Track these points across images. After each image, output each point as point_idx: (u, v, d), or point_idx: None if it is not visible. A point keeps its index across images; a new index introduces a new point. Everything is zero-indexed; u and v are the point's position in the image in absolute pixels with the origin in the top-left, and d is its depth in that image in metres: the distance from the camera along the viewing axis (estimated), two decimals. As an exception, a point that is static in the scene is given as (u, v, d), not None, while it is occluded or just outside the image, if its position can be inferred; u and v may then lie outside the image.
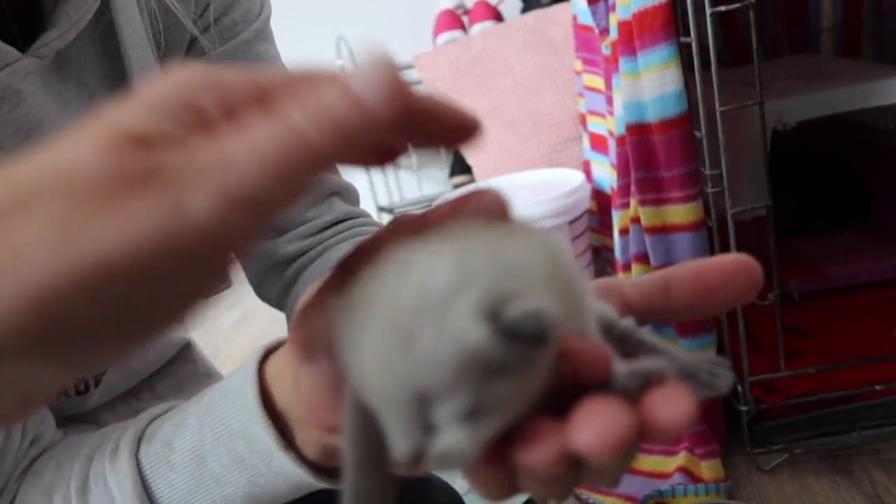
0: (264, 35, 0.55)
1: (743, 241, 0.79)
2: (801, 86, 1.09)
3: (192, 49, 0.51)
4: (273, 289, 0.57)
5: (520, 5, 2.09)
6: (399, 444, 0.20)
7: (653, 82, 0.71)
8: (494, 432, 0.19)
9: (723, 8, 0.66)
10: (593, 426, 0.19)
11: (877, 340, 0.96)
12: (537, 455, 0.19)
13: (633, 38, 0.73)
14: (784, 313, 0.80)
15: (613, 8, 0.85)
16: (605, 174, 1.33)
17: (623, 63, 0.77)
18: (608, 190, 1.33)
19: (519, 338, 0.18)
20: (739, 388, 0.82)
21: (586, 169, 1.53)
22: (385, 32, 2.25)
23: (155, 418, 0.39)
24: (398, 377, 0.19)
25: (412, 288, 0.19)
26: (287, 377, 0.32)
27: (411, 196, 2.37)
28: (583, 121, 1.49)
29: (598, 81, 1.29)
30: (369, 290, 0.20)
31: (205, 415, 0.35)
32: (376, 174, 2.32)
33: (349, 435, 0.23)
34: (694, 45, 0.67)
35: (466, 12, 2.11)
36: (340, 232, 0.56)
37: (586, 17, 1.31)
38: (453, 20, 2.04)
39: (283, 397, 0.32)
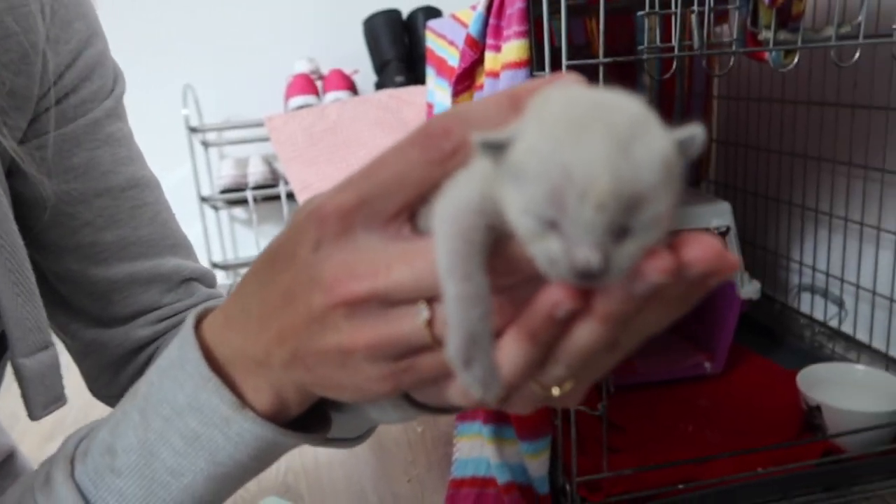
0: (117, 113, 0.51)
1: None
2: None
3: (31, 128, 0.46)
4: (116, 382, 0.52)
5: (375, 79, 2.15)
6: (586, 254, 0.21)
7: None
8: (656, 244, 0.22)
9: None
10: (699, 245, 0.23)
11: (679, 437, 1.09)
12: (660, 263, 0.22)
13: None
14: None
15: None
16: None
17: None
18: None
19: (685, 152, 0.22)
20: (568, 488, 0.88)
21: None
22: (235, 86, 2.21)
23: (83, 438, 0.35)
24: (622, 178, 0.21)
25: (621, 110, 0.22)
26: (234, 321, 0.31)
27: (247, 253, 2.30)
28: (431, 203, 1.55)
29: (449, 172, 1.36)
30: (559, 112, 0.22)
31: (145, 402, 0.33)
32: (211, 227, 2.23)
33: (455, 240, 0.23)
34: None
35: (321, 78, 2.13)
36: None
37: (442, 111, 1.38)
38: (307, 84, 2.05)
39: (227, 347, 0.31)
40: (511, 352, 0.24)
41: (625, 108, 0.22)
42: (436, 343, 0.25)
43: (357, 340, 0.26)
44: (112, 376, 0.52)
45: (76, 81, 0.47)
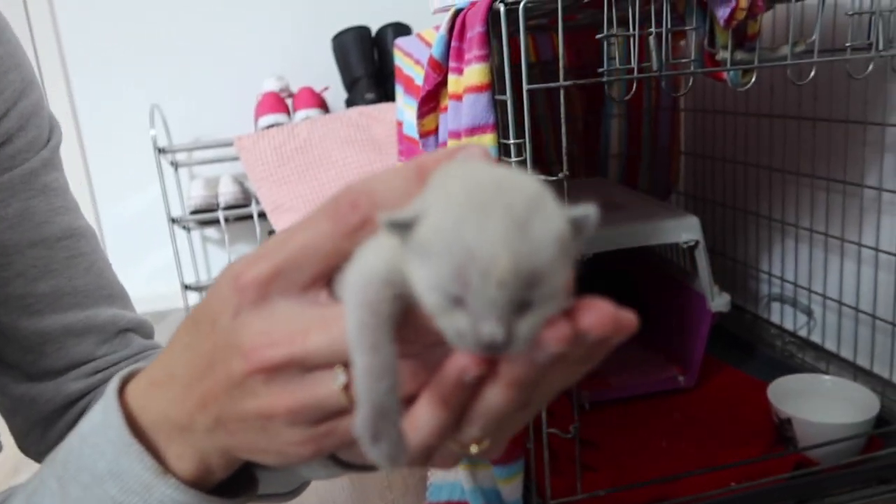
0: (53, 164, 0.50)
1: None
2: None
3: None
4: (46, 439, 0.51)
5: (345, 96, 2.15)
6: (490, 328, 0.22)
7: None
8: (555, 314, 0.24)
9: (542, 177, 0.74)
10: (594, 312, 0.24)
11: (653, 452, 1.09)
12: (558, 332, 0.23)
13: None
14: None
15: (444, 146, 0.91)
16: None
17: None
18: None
19: (580, 229, 0.24)
20: (542, 509, 0.88)
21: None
22: (203, 105, 2.19)
23: None
24: (521, 257, 0.22)
25: (519, 189, 0.23)
26: (158, 385, 0.31)
27: (220, 273, 2.28)
28: (402, 222, 1.54)
29: (419, 191, 1.36)
30: (461, 191, 0.23)
31: (64, 469, 0.32)
32: (183, 248, 2.20)
33: (363, 313, 0.24)
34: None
35: (291, 95, 2.12)
36: (137, 360, 0.53)
37: (411, 130, 1.38)
38: (277, 103, 2.04)
39: (151, 412, 0.31)
40: (424, 416, 0.25)
41: (523, 187, 0.24)
42: (353, 407, 0.25)
43: (276, 406, 0.27)
44: (42, 432, 0.50)
45: (11, 132, 0.46)
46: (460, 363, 0.23)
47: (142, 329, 0.55)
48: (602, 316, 0.24)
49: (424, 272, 0.23)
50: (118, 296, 0.53)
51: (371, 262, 0.25)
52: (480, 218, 0.22)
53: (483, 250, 0.22)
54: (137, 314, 0.55)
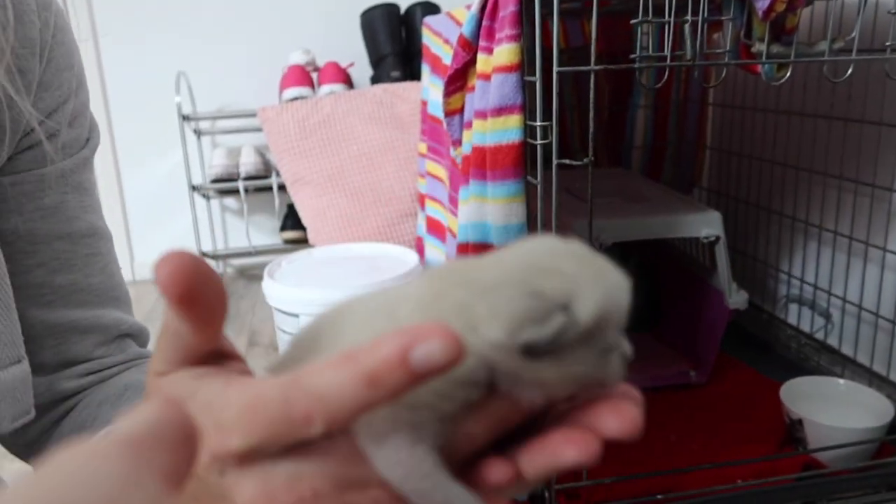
0: (90, 164, 0.52)
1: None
2: (618, 206, 1.23)
3: (10, 163, 0.46)
4: (29, 432, 0.51)
5: (370, 72, 2.14)
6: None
7: (498, 212, 0.77)
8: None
9: (567, 161, 0.73)
10: (617, 416, 0.25)
11: (661, 446, 1.09)
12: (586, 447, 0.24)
13: (485, 164, 0.79)
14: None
15: (469, 125, 0.90)
16: (440, 260, 1.38)
17: (473, 184, 0.82)
18: (440, 274, 1.38)
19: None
20: (547, 495, 0.88)
21: (419, 246, 1.58)
22: (229, 75, 2.19)
23: None
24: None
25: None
26: None
27: (238, 244, 2.29)
28: (421, 201, 1.54)
29: (440, 171, 1.35)
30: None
31: None
32: (202, 216, 2.21)
33: None
34: (539, 188, 0.74)
35: (316, 70, 2.12)
36: (129, 367, 0.53)
37: (436, 109, 1.37)
38: (302, 76, 2.04)
39: None
40: None
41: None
42: None
43: None
44: (25, 427, 0.50)
45: (60, 127, 0.48)
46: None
47: (140, 336, 0.56)
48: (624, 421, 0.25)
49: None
50: (124, 300, 0.54)
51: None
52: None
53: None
54: (138, 321, 0.56)
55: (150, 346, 0.58)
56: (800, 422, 1.02)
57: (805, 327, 1.37)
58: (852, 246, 1.23)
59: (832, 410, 1.05)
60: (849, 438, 0.98)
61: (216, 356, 0.27)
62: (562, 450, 0.24)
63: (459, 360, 0.21)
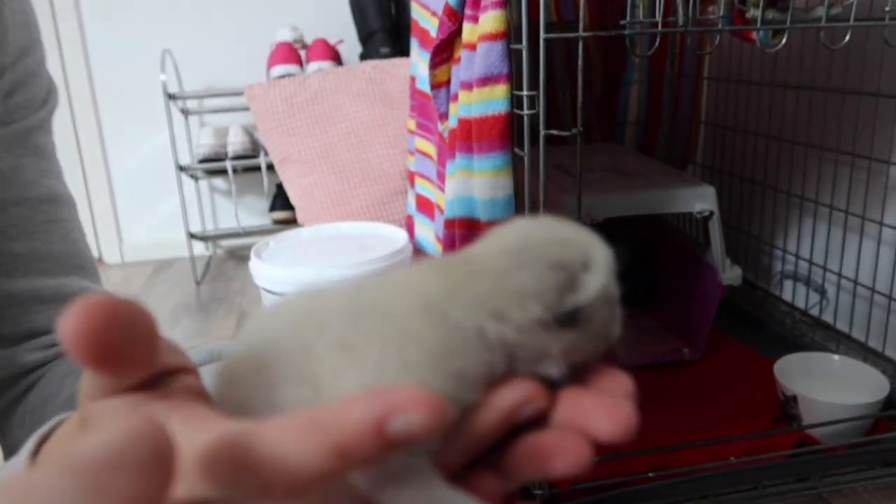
0: (47, 127, 0.50)
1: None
2: (609, 181, 1.20)
3: None
4: None
5: (359, 49, 2.10)
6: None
7: (485, 185, 0.75)
8: None
9: (555, 132, 0.71)
10: (609, 417, 0.22)
11: (654, 423, 1.07)
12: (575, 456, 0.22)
13: (471, 137, 0.76)
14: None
15: (455, 98, 0.87)
16: (430, 238, 1.36)
17: (459, 158, 0.80)
18: (430, 251, 1.36)
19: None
20: (537, 474, 0.87)
21: (409, 224, 1.55)
22: (215, 53, 2.15)
23: None
24: None
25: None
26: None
27: (227, 225, 2.26)
28: (411, 179, 1.52)
29: (429, 147, 1.33)
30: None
31: None
32: (190, 197, 2.18)
33: None
34: (527, 159, 0.71)
35: (305, 47, 2.08)
36: None
37: (424, 84, 1.34)
38: (290, 53, 2.00)
39: None
40: None
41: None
42: None
43: None
44: None
45: (14, 86, 0.46)
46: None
47: None
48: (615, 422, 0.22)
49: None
50: (90, 268, 0.52)
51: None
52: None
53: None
54: (105, 290, 0.53)
55: None
56: (794, 398, 1.00)
57: (800, 303, 1.35)
58: (848, 220, 1.21)
59: (827, 386, 1.04)
60: (843, 414, 0.97)
61: (158, 376, 0.23)
62: (552, 461, 0.22)
63: (442, 425, 0.18)
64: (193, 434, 0.20)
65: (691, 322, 1.26)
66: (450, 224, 0.89)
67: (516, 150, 0.74)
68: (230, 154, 1.99)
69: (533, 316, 0.23)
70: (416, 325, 0.22)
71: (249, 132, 2.06)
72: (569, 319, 0.23)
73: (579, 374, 0.24)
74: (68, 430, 0.27)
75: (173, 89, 2.04)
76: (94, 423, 0.23)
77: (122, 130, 2.20)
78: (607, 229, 1.17)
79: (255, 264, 1.27)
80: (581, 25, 0.70)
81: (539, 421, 0.23)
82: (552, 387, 0.24)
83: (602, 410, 0.22)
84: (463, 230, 0.81)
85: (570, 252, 0.24)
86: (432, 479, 0.21)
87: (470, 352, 0.22)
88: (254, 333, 0.25)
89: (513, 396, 0.23)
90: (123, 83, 2.15)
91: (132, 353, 0.21)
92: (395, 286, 0.24)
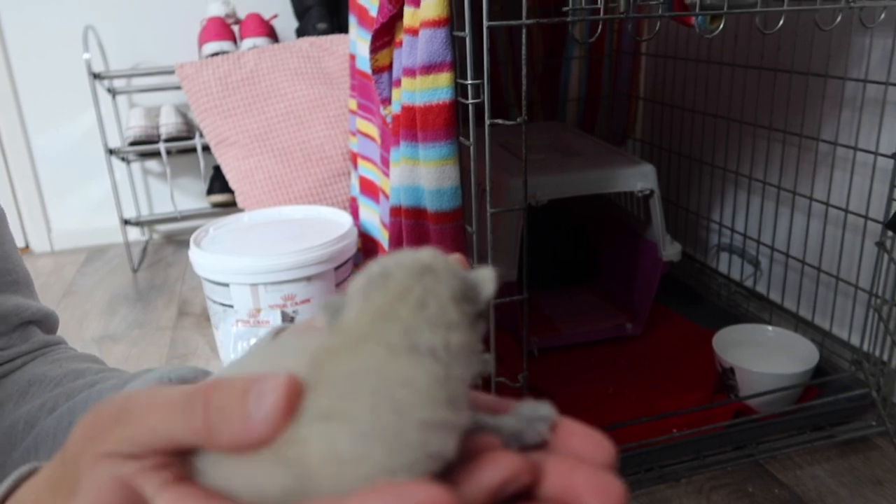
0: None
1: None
2: (552, 162, 1.21)
3: None
4: None
5: (295, 24, 2.04)
6: None
7: (431, 175, 0.74)
8: None
9: (500, 121, 0.70)
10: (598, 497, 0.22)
11: (600, 398, 1.10)
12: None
13: (415, 125, 0.75)
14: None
15: (398, 83, 0.86)
16: (374, 221, 1.34)
17: (404, 146, 0.78)
18: (376, 235, 1.35)
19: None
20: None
21: (353, 207, 1.53)
22: (143, 29, 2.05)
23: None
24: None
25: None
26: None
27: (163, 209, 2.18)
28: (353, 160, 1.49)
29: (372, 129, 1.30)
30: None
31: None
32: (122, 181, 2.10)
33: None
34: (472, 149, 0.71)
35: (238, 22, 2.00)
36: (34, 358, 0.48)
37: (364, 65, 1.31)
38: (223, 29, 1.92)
39: None
40: None
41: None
42: None
43: None
44: None
45: None
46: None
47: (46, 322, 0.50)
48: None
49: None
50: (23, 283, 0.49)
51: None
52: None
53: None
54: (42, 305, 0.50)
55: (61, 333, 0.54)
56: (731, 370, 1.04)
57: (735, 275, 1.40)
58: (780, 195, 1.26)
59: (762, 357, 1.09)
60: (777, 384, 1.01)
61: None
62: None
63: None
64: None
65: (634, 298, 1.29)
66: (395, 212, 0.88)
67: (461, 139, 0.73)
68: (163, 136, 1.91)
69: (470, 314, 0.23)
70: (389, 368, 0.21)
71: (183, 112, 1.98)
72: (483, 313, 0.24)
73: (557, 435, 0.24)
74: (35, 489, 0.26)
75: (98, 68, 1.95)
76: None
77: (45, 114, 2.08)
78: (549, 209, 1.18)
79: (194, 253, 1.23)
80: (524, 12, 0.69)
81: (525, 493, 0.23)
82: (528, 449, 0.24)
83: (593, 490, 0.21)
84: (410, 220, 0.81)
85: (449, 261, 0.24)
86: None
87: (448, 372, 0.22)
88: None
89: (499, 473, 0.22)
90: (44, 65, 2.03)
91: None
92: (311, 347, 0.23)
